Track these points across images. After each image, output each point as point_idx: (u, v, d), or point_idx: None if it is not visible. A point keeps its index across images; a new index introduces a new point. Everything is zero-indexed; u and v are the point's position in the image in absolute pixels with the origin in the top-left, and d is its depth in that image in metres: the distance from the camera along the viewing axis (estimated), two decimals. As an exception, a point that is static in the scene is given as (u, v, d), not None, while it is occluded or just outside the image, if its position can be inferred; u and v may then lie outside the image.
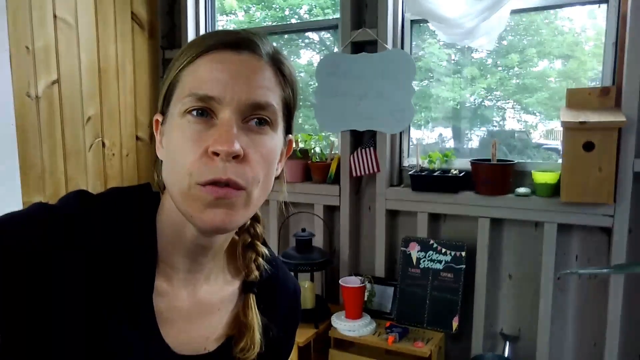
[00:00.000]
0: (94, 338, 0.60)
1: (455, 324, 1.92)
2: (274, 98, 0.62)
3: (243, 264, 0.75)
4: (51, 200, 2.08)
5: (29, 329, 0.57)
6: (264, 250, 0.78)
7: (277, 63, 0.64)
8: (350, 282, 1.99)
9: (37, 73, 2.00)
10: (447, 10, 1.92)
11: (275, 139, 0.63)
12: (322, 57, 2.22)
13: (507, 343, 1.96)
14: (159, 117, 0.66)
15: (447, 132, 2.39)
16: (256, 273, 0.75)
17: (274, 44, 0.66)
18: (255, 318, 0.73)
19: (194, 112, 0.59)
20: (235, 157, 0.58)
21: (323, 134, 2.45)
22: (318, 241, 2.24)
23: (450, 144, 2.35)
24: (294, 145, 0.74)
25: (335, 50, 2.53)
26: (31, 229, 0.58)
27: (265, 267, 0.77)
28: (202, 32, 2.64)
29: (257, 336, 0.72)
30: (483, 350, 1.97)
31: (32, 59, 1.97)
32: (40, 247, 0.57)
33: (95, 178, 2.26)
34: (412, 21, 2.19)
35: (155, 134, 0.68)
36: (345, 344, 1.99)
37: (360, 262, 2.30)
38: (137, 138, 2.48)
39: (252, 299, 0.74)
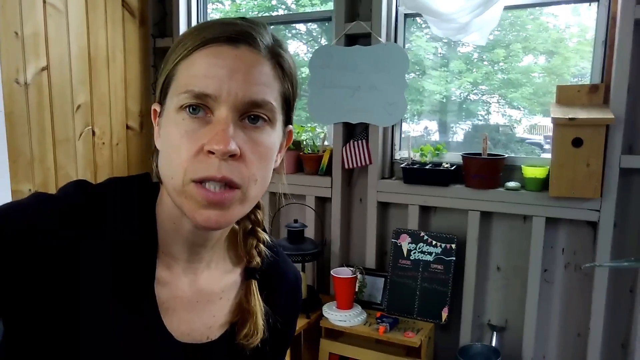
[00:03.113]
0: (98, 328, 0.60)
1: (444, 314, 1.96)
2: (271, 94, 0.61)
3: (244, 250, 0.76)
4: (40, 189, 2.05)
5: (32, 319, 0.58)
6: (265, 236, 0.78)
7: (275, 56, 0.63)
8: (341, 272, 2.01)
9: (26, 59, 1.96)
10: (441, 5, 1.93)
11: (273, 135, 0.63)
12: (315, 49, 2.22)
13: (495, 333, 2.00)
14: (156, 107, 0.66)
15: (433, 125, 2.41)
16: (258, 259, 0.75)
17: (273, 34, 0.65)
18: (258, 304, 0.73)
19: (189, 109, 0.58)
20: (232, 155, 0.57)
21: (312, 124, 2.45)
22: (310, 232, 2.25)
23: (436, 137, 2.38)
24: (293, 135, 0.74)
25: (323, 41, 2.53)
26: (34, 220, 0.58)
27: (267, 253, 0.77)
28: (193, 20, 2.61)
29: (260, 322, 0.73)
30: (471, 340, 2.01)
31: (21, 45, 1.93)
32: (43, 238, 0.58)
33: (85, 167, 2.23)
34: (406, 15, 2.20)
35: (153, 123, 0.68)
36: (336, 334, 2.01)
37: (351, 253, 2.32)
38: (128, 127, 2.45)
39: (255, 285, 0.75)
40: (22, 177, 1.95)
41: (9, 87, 1.89)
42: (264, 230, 0.79)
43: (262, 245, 0.77)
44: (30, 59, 1.97)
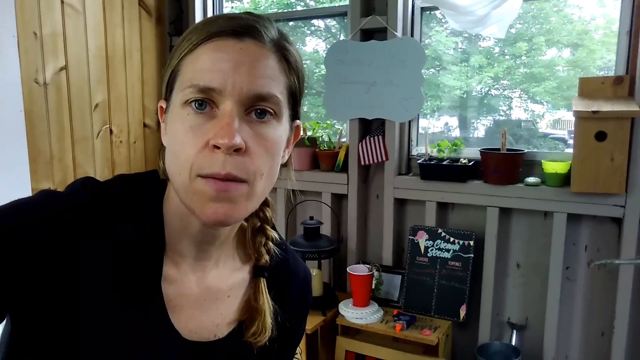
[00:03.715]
0: (105, 325, 0.60)
1: (462, 312, 1.93)
2: (277, 87, 0.60)
3: (253, 248, 0.75)
4: (59, 187, 2.08)
5: (40, 318, 0.58)
6: (273, 234, 0.77)
7: (281, 50, 0.62)
8: (358, 270, 1.99)
9: (45, 59, 1.99)
10: (458, -3, 1.90)
11: (279, 129, 0.62)
12: (331, 45, 2.20)
13: (514, 332, 1.96)
14: (163, 103, 0.66)
15: (453, 121, 2.37)
16: (266, 257, 0.75)
17: (279, 28, 0.64)
18: (266, 302, 0.73)
19: (195, 104, 0.58)
20: (237, 150, 0.57)
21: (330, 121, 2.43)
22: (326, 229, 2.24)
23: (456, 133, 2.34)
24: (302, 131, 0.73)
25: (341, 37, 2.51)
26: (42, 218, 0.58)
27: (276, 251, 0.77)
28: (209, 18, 2.61)
29: (269, 320, 0.72)
30: (490, 338, 1.97)
31: (39, 45, 1.96)
32: (51, 236, 0.57)
33: (103, 165, 2.26)
34: (422, 8, 2.17)
35: (160, 120, 0.67)
36: (352, 332, 2.00)
37: (368, 250, 2.30)
38: (145, 125, 2.47)
39: (263, 283, 0.74)
40: (41, 176, 1.99)
41: (29, 87, 1.93)
42: (273, 228, 0.78)
43: (270, 243, 0.76)
44: (49, 58, 2.00)
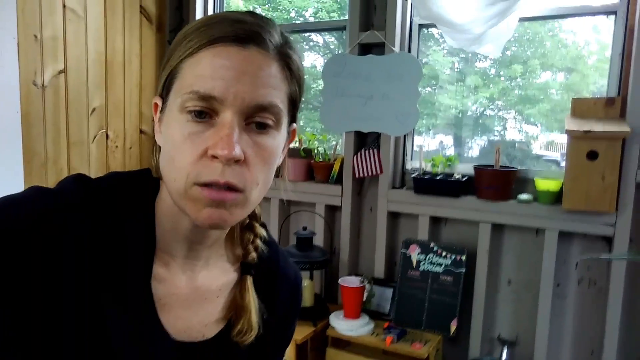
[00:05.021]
0: (93, 324, 0.60)
1: (453, 327, 1.93)
2: (278, 96, 0.60)
3: (241, 245, 0.75)
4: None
5: (30, 315, 0.57)
6: (262, 232, 0.77)
7: (284, 58, 0.62)
8: (349, 281, 1.99)
9: (44, 62, 1.99)
10: (455, 16, 1.93)
11: (277, 138, 0.62)
12: (329, 58, 2.22)
13: (505, 348, 1.96)
14: (158, 100, 0.65)
15: (448, 140, 2.40)
16: (254, 255, 0.74)
17: (282, 31, 0.64)
18: (252, 300, 0.72)
19: (194, 113, 0.57)
20: (236, 160, 0.57)
21: (325, 133, 2.45)
22: (319, 240, 2.24)
23: (451, 151, 2.36)
24: (297, 135, 0.73)
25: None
26: (32, 214, 0.57)
27: (263, 249, 0.76)
28: (209, 28, 2.63)
29: (254, 318, 0.71)
30: (480, 354, 1.97)
31: (39, 48, 1.97)
32: (41, 233, 0.57)
33: (98, 169, 2.25)
34: (420, 25, 2.20)
35: (154, 116, 0.66)
36: (342, 344, 1.99)
37: (360, 262, 2.30)
38: (141, 131, 2.47)
39: (249, 281, 0.73)
40: (35, 178, 1.98)
41: (27, 89, 1.93)
42: (263, 226, 0.78)
43: (258, 241, 0.76)
44: (48, 61, 2.01)
